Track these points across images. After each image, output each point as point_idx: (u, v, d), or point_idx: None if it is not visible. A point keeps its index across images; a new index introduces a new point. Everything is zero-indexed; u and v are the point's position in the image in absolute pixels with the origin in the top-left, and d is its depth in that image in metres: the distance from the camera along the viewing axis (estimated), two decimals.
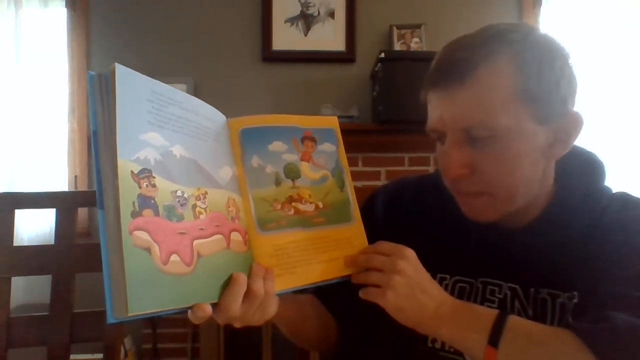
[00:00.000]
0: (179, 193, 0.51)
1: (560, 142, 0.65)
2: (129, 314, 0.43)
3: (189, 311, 0.50)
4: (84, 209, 2.38)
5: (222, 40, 2.53)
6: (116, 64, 0.46)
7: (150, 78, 0.51)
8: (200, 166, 0.55)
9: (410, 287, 0.60)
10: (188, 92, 2.40)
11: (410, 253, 0.63)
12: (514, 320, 0.60)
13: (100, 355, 1.05)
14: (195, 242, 0.51)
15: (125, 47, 2.50)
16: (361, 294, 0.62)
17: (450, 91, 0.63)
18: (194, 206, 0.52)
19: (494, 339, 0.58)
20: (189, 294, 0.49)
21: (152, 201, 0.48)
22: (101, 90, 0.47)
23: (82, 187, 2.44)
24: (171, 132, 0.52)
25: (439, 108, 0.65)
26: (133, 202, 0.45)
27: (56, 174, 2.46)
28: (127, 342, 2.27)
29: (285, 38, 2.52)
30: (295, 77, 2.54)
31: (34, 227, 2.32)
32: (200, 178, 0.55)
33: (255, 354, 1.86)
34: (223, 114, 0.62)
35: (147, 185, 0.47)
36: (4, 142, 2.37)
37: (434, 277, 0.74)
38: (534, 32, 0.65)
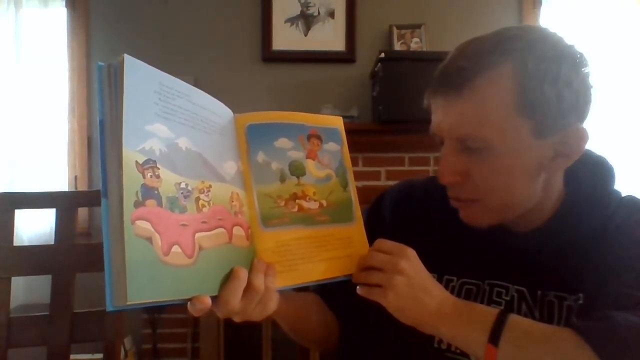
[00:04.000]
0: (182, 185, 0.51)
1: (562, 156, 0.64)
2: (128, 303, 0.43)
3: (189, 303, 0.50)
4: (84, 209, 2.38)
5: (222, 40, 2.53)
6: (125, 54, 0.46)
7: (158, 70, 0.50)
8: (205, 159, 0.55)
9: (412, 287, 0.60)
10: None
11: (411, 252, 0.62)
12: (514, 318, 0.60)
13: (100, 355, 1.05)
14: (197, 234, 0.51)
15: (125, 47, 2.50)
16: (362, 292, 0.62)
17: (447, 100, 0.63)
18: (197, 199, 0.52)
19: (494, 337, 0.58)
20: (189, 286, 0.49)
21: (156, 192, 0.48)
22: (109, 81, 0.47)
23: (82, 187, 2.44)
24: (177, 125, 0.52)
25: (437, 114, 0.65)
26: (136, 192, 0.46)
27: (56, 174, 2.46)
28: (127, 342, 2.27)
29: (285, 38, 2.52)
30: (295, 77, 2.54)
31: (34, 227, 2.32)
32: (204, 171, 0.54)
33: (256, 354, 1.86)
34: None
35: (151, 176, 0.47)
36: (4, 142, 2.37)
37: (440, 278, 0.74)
38: (544, 39, 0.62)
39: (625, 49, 2.50)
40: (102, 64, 0.47)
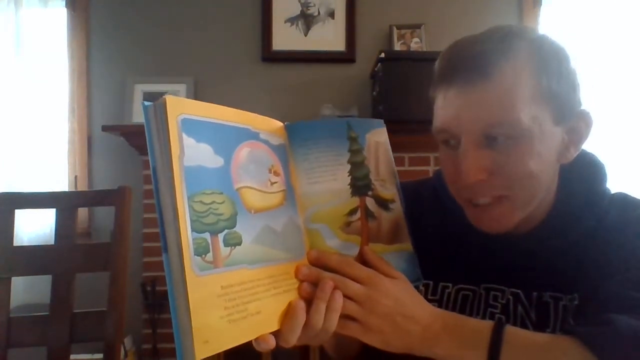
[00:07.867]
0: None
1: (572, 143, 0.64)
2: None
3: (253, 341, 0.51)
4: (84, 209, 2.38)
5: (222, 40, 2.53)
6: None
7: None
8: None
9: (392, 321, 0.56)
10: (188, 91, 2.41)
11: (383, 282, 0.57)
12: (510, 331, 0.57)
13: (100, 355, 1.05)
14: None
15: (125, 47, 2.50)
16: (339, 329, 0.56)
17: (472, 86, 0.58)
18: None
19: (494, 355, 0.55)
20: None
21: None
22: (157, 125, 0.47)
23: (82, 187, 2.44)
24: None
25: (454, 106, 0.60)
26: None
27: (56, 174, 2.45)
28: (127, 342, 2.27)
29: (285, 38, 2.51)
30: (295, 77, 2.54)
31: (34, 227, 2.32)
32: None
33: (255, 354, 1.86)
34: None
35: None
36: (4, 142, 2.37)
37: (436, 285, 0.73)
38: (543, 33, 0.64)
39: (625, 49, 2.49)
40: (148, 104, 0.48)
